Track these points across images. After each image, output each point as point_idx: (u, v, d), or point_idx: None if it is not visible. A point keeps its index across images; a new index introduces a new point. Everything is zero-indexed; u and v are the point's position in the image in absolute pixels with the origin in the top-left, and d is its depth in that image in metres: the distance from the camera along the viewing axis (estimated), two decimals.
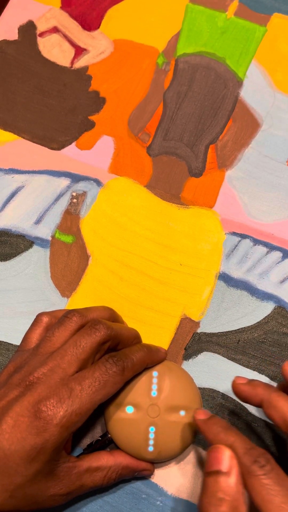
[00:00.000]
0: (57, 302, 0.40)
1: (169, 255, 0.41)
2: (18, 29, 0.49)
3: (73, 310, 0.33)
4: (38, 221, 0.43)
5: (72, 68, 0.48)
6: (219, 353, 0.39)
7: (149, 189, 0.44)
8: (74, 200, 0.43)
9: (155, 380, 0.34)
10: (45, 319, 0.35)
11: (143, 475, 0.34)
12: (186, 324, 0.39)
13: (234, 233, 0.42)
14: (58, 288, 0.41)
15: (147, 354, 0.34)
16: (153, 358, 0.34)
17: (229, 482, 0.27)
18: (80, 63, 0.48)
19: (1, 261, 0.42)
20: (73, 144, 0.45)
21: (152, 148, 0.45)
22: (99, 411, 0.35)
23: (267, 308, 0.40)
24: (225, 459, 0.28)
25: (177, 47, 0.48)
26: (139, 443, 0.33)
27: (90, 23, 0.49)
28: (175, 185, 0.44)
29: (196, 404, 0.34)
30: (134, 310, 0.40)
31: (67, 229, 0.42)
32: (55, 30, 0.49)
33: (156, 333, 0.39)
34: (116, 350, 0.34)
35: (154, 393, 0.34)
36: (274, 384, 0.38)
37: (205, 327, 0.39)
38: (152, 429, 0.33)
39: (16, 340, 0.39)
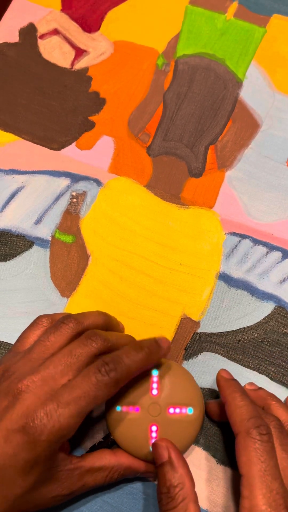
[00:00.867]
0: (57, 302, 0.40)
1: (169, 255, 0.41)
2: (19, 32, 0.50)
3: (70, 316, 0.33)
4: (38, 221, 0.43)
5: (73, 70, 0.48)
6: (219, 353, 0.38)
7: (149, 189, 0.44)
8: (74, 200, 0.43)
9: (155, 379, 0.34)
10: (45, 323, 0.34)
11: (143, 476, 0.34)
12: (186, 324, 0.39)
13: (234, 233, 0.42)
14: (58, 288, 0.41)
15: (146, 358, 0.32)
16: (152, 360, 0.33)
17: (172, 469, 0.30)
18: (80, 65, 0.48)
19: (1, 261, 0.42)
20: (73, 144, 0.45)
21: (152, 149, 0.45)
22: (101, 413, 0.35)
23: (267, 308, 0.40)
24: (164, 452, 0.30)
25: (177, 48, 0.48)
26: (141, 442, 0.33)
27: (90, 25, 0.50)
28: (175, 185, 0.44)
29: (197, 402, 0.34)
30: (134, 309, 0.40)
31: (67, 229, 0.42)
32: (55, 32, 0.49)
33: (156, 333, 0.39)
34: None
35: (154, 391, 0.34)
36: (274, 384, 0.38)
37: (205, 327, 0.39)
38: (154, 428, 0.33)
39: None
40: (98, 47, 0.49)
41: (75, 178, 0.44)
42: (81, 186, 0.44)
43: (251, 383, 0.36)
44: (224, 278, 0.41)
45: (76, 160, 0.45)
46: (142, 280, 0.40)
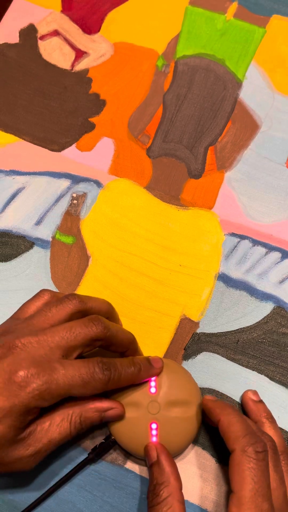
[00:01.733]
0: None
1: (168, 256, 0.42)
2: (19, 33, 0.50)
3: (74, 294, 0.33)
4: (38, 222, 0.43)
5: (73, 71, 0.48)
6: (218, 353, 0.39)
7: (149, 190, 0.44)
8: (74, 201, 0.44)
9: (153, 377, 0.34)
10: (47, 296, 0.35)
11: (112, 417, 0.33)
12: (186, 324, 0.40)
13: (233, 234, 0.42)
14: (58, 289, 0.41)
15: (137, 373, 0.33)
16: (142, 377, 0.33)
17: (159, 468, 0.31)
18: (80, 66, 0.48)
19: (2, 261, 0.42)
20: (74, 145, 0.46)
21: (152, 150, 0.45)
22: None
23: (266, 308, 0.40)
24: (153, 453, 0.31)
25: (177, 49, 0.48)
26: (142, 441, 0.33)
27: (90, 26, 0.50)
28: (174, 187, 0.44)
29: (195, 398, 0.35)
30: (134, 310, 0.40)
31: (68, 230, 0.43)
32: (55, 33, 0.49)
33: (156, 333, 0.39)
34: (108, 350, 0.34)
35: (153, 389, 0.34)
36: (273, 384, 0.38)
37: (205, 327, 0.39)
38: (154, 426, 0.33)
39: None
40: (98, 49, 0.49)
41: (76, 179, 0.44)
42: (81, 187, 0.44)
43: (255, 393, 0.37)
44: (224, 278, 0.41)
45: (76, 161, 0.45)
46: (142, 281, 0.41)
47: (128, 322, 0.39)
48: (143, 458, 0.35)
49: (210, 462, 0.36)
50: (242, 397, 0.37)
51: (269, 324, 0.39)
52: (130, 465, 0.36)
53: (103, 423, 0.34)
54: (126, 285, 0.41)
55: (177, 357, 0.39)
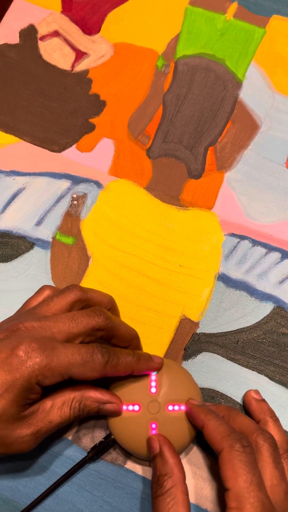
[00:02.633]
0: None
1: (168, 256, 0.42)
2: (19, 33, 0.50)
3: (75, 285, 0.34)
4: (39, 223, 0.43)
5: (73, 72, 0.48)
6: (218, 354, 0.39)
7: (149, 191, 0.44)
8: (75, 202, 0.44)
9: (153, 377, 0.35)
10: (48, 291, 0.36)
11: (109, 411, 0.33)
12: (186, 324, 0.40)
13: (233, 234, 0.42)
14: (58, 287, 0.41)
15: (135, 362, 0.33)
16: (141, 367, 0.34)
17: (162, 459, 0.31)
18: (80, 67, 0.48)
19: (2, 262, 0.42)
20: (74, 146, 0.46)
21: (152, 150, 0.45)
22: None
23: (266, 308, 0.40)
24: (155, 445, 0.32)
25: (177, 49, 0.48)
26: (142, 441, 0.33)
27: (90, 27, 0.50)
28: (174, 187, 0.44)
29: (196, 398, 0.35)
30: (134, 310, 0.40)
31: (68, 230, 0.43)
32: (56, 34, 0.49)
33: (156, 334, 0.39)
34: (111, 344, 0.34)
35: (153, 389, 0.34)
36: (273, 384, 0.38)
37: (205, 328, 0.40)
38: (154, 426, 0.33)
39: None
40: (98, 50, 0.49)
41: (76, 180, 0.44)
42: (81, 188, 0.44)
43: (257, 392, 0.37)
44: (223, 279, 0.41)
45: (76, 162, 0.45)
46: (142, 281, 0.41)
47: (128, 322, 0.39)
48: (143, 458, 0.35)
49: (209, 461, 0.36)
50: (245, 396, 0.37)
51: (269, 324, 0.40)
52: (130, 465, 0.36)
53: (102, 416, 0.35)
54: (126, 286, 0.41)
55: (177, 357, 0.39)
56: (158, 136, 0.45)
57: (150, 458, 0.33)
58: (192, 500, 0.35)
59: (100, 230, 0.43)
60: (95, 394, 0.33)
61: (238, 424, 0.33)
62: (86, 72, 0.48)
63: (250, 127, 0.46)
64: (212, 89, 0.47)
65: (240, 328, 0.39)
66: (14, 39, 0.50)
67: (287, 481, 0.31)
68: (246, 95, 0.47)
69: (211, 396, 0.38)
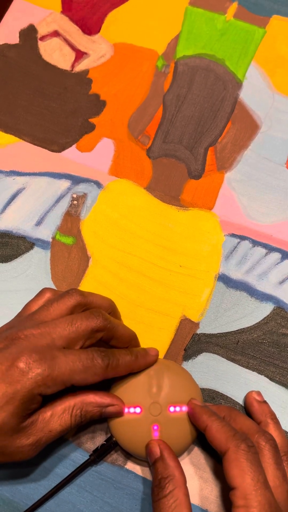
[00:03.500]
0: None
1: (168, 257, 0.42)
2: (19, 33, 0.50)
3: (75, 289, 0.34)
4: (38, 223, 0.43)
5: (73, 72, 0.48)
6: (218, 354, 0.39)
7: (149, 191, 0.44)
8: (75, 202, 0.44)
9: (153, 379, 0.35)
10: (48, 294, 0.35)
11: (112, 413, 0.33)
12: (186, 325, 0.40)
13: (233, 235, 0.42)
14: (59, 289, 0.41)
15: (134, 360, 0.34)
16: (139, 364, 0.34)
17: (163, 463, 0.31)
18: (80, 67, 0.48)
19: (2, 262, 0.42)
20: (74, 146, 0.46)
21: (152, 151, 0.45)
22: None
23: (266, 309, 0.40)
24: (156, 449, 0.32)
25: (177, 49, 0.48)
26: (144, 442, 0.33)
27: (90, 27, 0.50)
28: (174, 187, 0.44)
29: (196, 398, 0.35)
30: (134, 311, 0.40)
31: (68, 230, 0.43)
32: (55, 34, 0.49)
33: (156, 334, 0.39)
34: (108, 345, 0.34)
35: (154, 391, 0.34)
36: (273, 384, 0.38)
37: (205, 328, 0.39)
38: (156, 428, 0.33)
39: None
40: (98, 50, 0.49)
41: (76, 180, 0.44)
42: (81, 188, 0.44)
43: (258, 393, 0.37)
44: (224, 279, 0.41)
45: (76, 162, 0.45)
46: (142, 281, 0.41)
47: (128, 323, 0.39)
48: (145, 459, 0.35)
49: (210, 462, 0.36)
50: (246, 398, 0.37)
51: (269, 324, 0.40)
52: (130, 466, 0.36)
53: (104, 426, 0.35)
54: (126, 286, 0.41)
55: (177, 358, 0.39)
56: (158, 136, 0.45)
57: (150, 461, 0.33)
58: (192, 501, 0.34)
59: (100, 230, 0.43)
60: (95, 399, 0.32)
61: (240, 425, 0.33)
62: (86, 72, 0.48)
63: (250, 127, 0.46)
64: (212, 90, 0.47)
65: (240, 329, 0.39)
66: (14, 39, 0.50)
67: None
68: (246, 95, 0.47)
69: (211, 396, 0.38)
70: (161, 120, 0.46)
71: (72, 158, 0.45)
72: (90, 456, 0.35)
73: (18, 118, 0.47)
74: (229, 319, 0.40)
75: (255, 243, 0.42)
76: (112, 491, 0.35)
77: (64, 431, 0.31)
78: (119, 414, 0.34)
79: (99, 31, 0.49)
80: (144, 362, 0.35)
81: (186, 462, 0.36)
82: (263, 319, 0.40)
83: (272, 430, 0.34)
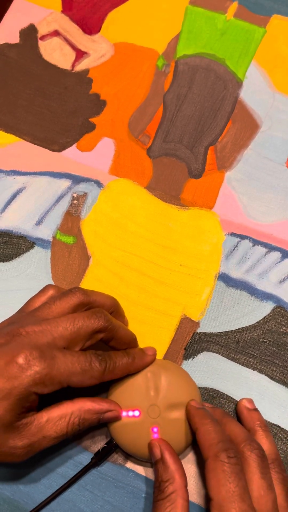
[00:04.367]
0: None
1: (169, 256, 0.42)
2: (20, 33, 0.50)
3: (78, 288, 0.34)
4: (39, 222, 0.43)
5: (73, 71, 0.48)
6: (218, 353, 0.39)
7: (149, 190, 0.44)
8: (75, 201, 0.44)
9: (150, 381, 0.35)
10: (51, 291, 0.36)
11: (110, 419, 0.33)
12: (186, 324, 0.40)
13: (233, 234, 0.42)
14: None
15: (131, 362, 0.34)
16: (137, 366, 0.34)
17: (163, 465, 0.31)
18: (81, 66, 0.48)
19: (3, 261, 0.42)
20: (74, 146, 0.46)
21: (152, 150, 0.45)
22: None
23: (267, 308, 0.40)
24: (157, 450, 0.32)
25: (177, 48, 0.48)
26: (144, 445, 0.33)
27: (90, 26, 0.50)
28: (175, 187, 0.44)
29: (194, 398, 0.35)
30: (135, 310, 0.40)
31: (68, 230, 0.43)
32: (56, 33, 0.49)
33: (156, 333, 0.39)
34: (107, 345, 0.34)
35: (152, 393, 0.34)
36: (274, 383, 0.38)
37: (205, 327, 0.40)
38: (155, 430, 0.33)
39: None
40: (98, 49, 0.49)
41: (76, 179, 0.44)
42: (82, 187, 0.44)
43: (250, 401, 0.37)
44: (224, 278, 0.41)
45: (77, 161, 0.45)
46: (142, 280, 0.41)
47: (129, 322, 0.39)
48: (146, 460, 0.35)
49: None
50: (237, 405, 0.37)
51: (269, 323, 0.40)
52: (130, 465, 0.36)
53: (105, 429, 0.35)
54: (127, 285, 0.41)
55: (177, 357, 0.39)
56: (159, 136, 0.45)
57: (152, 461, 0.33)
58: (192, 499, 0.35)
59: (100, 229, 0.43)
60: (93, 406, 0.32)
61: (229, 431, 0.32)
62: (86, 71, 0.48)
63: (250, 126, 0.46)
64: (213, 89, 0.47)
65: (241, 328, 0.39)
66: (14, 39, 0.50)
67: (275, 491, 0.31)
68: (246, 94, 0.47)
69: (211, 395, 0.38)
70: (161, 119, 0.46)
71: (72, 157, 0.45)
72: (91, 459, 0.35)
73: (19, 117, 0.47)
74: (229, 318, 0.40)
75: (255, 242, 0.42)
76: (112, 490, 0.35)
77: (59, 439, 0.31)
78: (117, 419, 0.34)
79: (99, 31, 0.50)
80: (142, 363, 0.35)
81: (186, 461, 0.36)
82: (264, 318, 0.40)
83: (260, 437, 0.34)
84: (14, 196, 0.44)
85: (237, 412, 0.37)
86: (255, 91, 0.47)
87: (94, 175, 0.44)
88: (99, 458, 0.35)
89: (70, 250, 0.42)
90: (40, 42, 0.49)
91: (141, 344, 0.37)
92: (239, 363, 0.38)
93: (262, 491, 0.30)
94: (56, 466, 0.35)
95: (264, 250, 0.42)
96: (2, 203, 0.44)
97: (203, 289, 0.41)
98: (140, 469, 0.36)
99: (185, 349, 0.39)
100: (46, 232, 0.43)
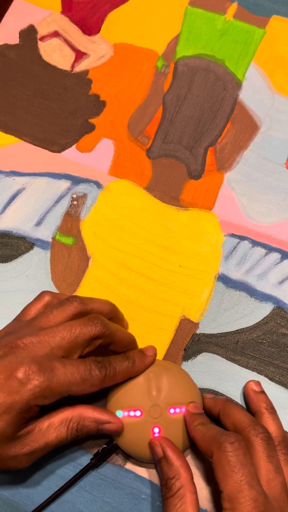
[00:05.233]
0: None
1: (168, 257, 0.42)
2: (19, 33, 0.50)
3: (76, 296, 0.34)
4: (38, 223, 0.43)
5: (73, 72, 0.48)
6: (218, 354, 0.39)
7: (149, 191, 0.44)
8: (75, 202, 0.44)
9: (152, 381, 0.35)
10: (47, 298, 0.35)
11: (109, 431, 0.33)
12: (186, 325, 0.40)
13: (233, 235, 0.42)
14: (58, 290, 0.41)
15: (131, 366, 0.34)
16: (138, 369, 0.34)
17: (167, 463, 0.31)
18: (80, 67, 0.48)
19: (2, 262, 0.42)
20: (74, 146, 0.46)
21: (152, 151, 0.45)
22: None
23: (266, 309, 0.40)
24: (158, 449, 0.32)
25: (177, 49, 0.48)
26: (145, 445, 0.33)
27: (90, 27, 0.50)
28: (174, 187, 0.44)
29: (196, 399, 0.35)
30: (134, 311, 0.40)
31: (68, 231, 0.43)
32: (55, 34, 0.49)
33: (156, 334, 0.39)
34: (107, 350, 0.34)
35: (153, 393, 0.34)
36: (273, 384, 0.38)
37: (204, 328, 0.40)
38: (156, 430, 0.33)
39: None
40: (98, 50, 0.49)
41: (76, 180, 0.44)
42: (81, 188, 0.44)
43: (257, 383, 0.37)
44: (223, 279, 0.41)
45: (76, 162, 0.45)
46: (141, 281, 0.41)
47: (128, 323, 0.39)
48: (147, 461, 0.35)
49: (208, 462, 0.36)
50: (244, 387, 0.37)
51: (269, 324, 0.40)
52: (130, 466, 0.36)
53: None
54: (126, 286, 0.41)
55: (177, 358, 0.39)
56: (158, 137, 0.45)
57: (155, 461, 0.33)
58: None
59: (100, 230, 0.43)
60: (93, 414, 0.32)
61: (232, 419, 0.33)
62: (86, 72, 0.48)
63: (250, 127, 0.46)
64: (212, 90, 0.47)
65: (240, 329, 0.39)
66: (14, 40, 0.50)
67: (283, 473, 0.31)
68: (246, 95, 0.47)
69: None
70: (161, 120, 0.46)
71: (72, 158, 0.45)
72: (91, 460, 0.35)
73: (18, 118, 0.47)
74: (228, 319, 0.40)
75: (254, 243, 0.42)
76: (112, 491, 0.35)
77: (60, 444, 0.31)
78: (117, 432, 0.33)
79: (99, 32, 0.50)
80: (142, 365, 0.35)
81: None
82: (263, 319, 0.40)
83: (266, 420, 0.34)
84: (13, 197, 0.44)
85: (244, 394, 0.37)
86: (254, 92, 0.47)
87: (93, 176, 0.44)
88: (98, 459, 0.34)
89: (69, 251, 0.42)
90: (39, 43, 0.49)
91: (140, 345, 0.37)
92: (239, 364, 0.38)
93: (270, 474, 0.30)
94: (56, 467, 0.35)
95: (263, 251, 0.42)
96: (2, 204, 0.44)
97: (202, 290, 0.41)
98: (139, 470, 0.36)
99: (184, 350, 0.39)
100: (45, 233, 0.43)
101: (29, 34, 0.50)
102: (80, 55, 0.49)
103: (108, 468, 0.35)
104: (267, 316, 0.40)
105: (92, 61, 0.48)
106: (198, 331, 0.39)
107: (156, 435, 0.33)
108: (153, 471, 0.35)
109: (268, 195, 0.43)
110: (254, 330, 0.39)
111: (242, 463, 0.29)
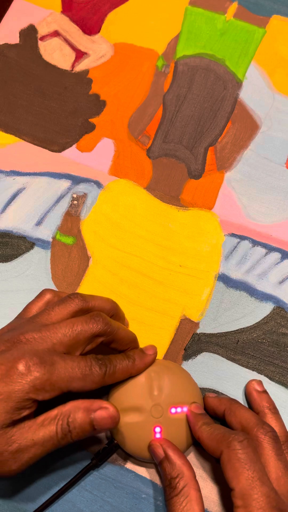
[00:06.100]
0: None
1: (168, 256, 0.42)
2: (19, 33, 0.50)
3: (77, 294, 0.34)
4: (39, 223, 0.43)
5: (73, 72, 0.48)
6: (218, 354, 0.39)
7: (149, 191, 0.44)
8: (75, 202, 0.44)
9: (154, 381, 0.34)
10: (48, 295, 0.36)
11: (103, 418, 0.31)
12: (186, 324, 0.40)
13: (233, 235, 0.42)
14: (58, 289, 0.41)
15: (131, 365, 0.34)
16: (138, 368, 0.34)
17: (169, 463, 0.31)
18: (80, 67, 0.48)
19: (3, 262, 0.42)
20: (74, 146, 0.46)
21: (152, 151, 0.45)
22: None
23: (266, 308, 0.40)
24: (159, 450, 0.32)
25: (177, 49, 0.48)
26: (146, 445, 0.33)
27: (90, 27, 0.50)
28: (174, 187, 0.44)
29: (197, 398, 0.35)
30: (134, 310, 0.40)
31: (68, 230, 0.43)
32: (56, 34, 0.49)
33: (156, 334, 0.39)
34: (108, 348, 0.34)
35: (155, 393, 0.34)
36: (273, 384, 0.38)
37: (205, 328, 0.40)
38: (157, 430, 0.33)
39: None
40: (98, 50, 0.49)
41: (76, 180, 0.44)
42: (81, 188, 0.44)
43: (259, 383, 0.37)
44: (223, 279, 0.41)
45: (76, 162, 0.45)
46: (142, 281, 0.41)
47: (129, 323, 0.39)
48: (147, 461, 0.35)
49: (210, 462, 0.36)
50: (246, 387, 0.37)
51: (269, 324, 0.40)
52: (130, 465, 0.36)
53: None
54: (126, 286, 0.41)
55: (177, 358, 0.39)
56: (158, 136, 0.45)
57: (156, 462, 0.33)
58: None
59: (100, 230, 0.43)
60: (83, 404, 0.31)
61: (239, 418, 0.33)
62: (86, 72, 0.48)
63: (250, 127, 0.46)
64: (212, 89, 0.47)
65: (240, 328, 0.40)
66: (14, 39, 0.50)
67: None
68: (246, 95, 0.47)
69: None
70: (161, 120, 0.46)
71: (72, 158, 0.45)
72: (92, 460, 0.35)
73: (18, 118, 0.47)
74: (229, 319, 0.40)
75: (255, 243, 0.42)
76: (112, 490, 0.35)
77: (49, 441, 0.30)
78: (112, 420, 0.31)
79: (99, 31, 0.50)
80: (143, 364, 0.35)
81: None
82: (263, 319, 0.40)
83: (270, 420, 0.34)
84: (14, 197, 0.44)
85: (246, 394, 0.37)
86: (254, 91, 0.47)
87: (94, 175, 0.44)
88: (99, 459, 0.34)
89: (70, 250, 0.42)
90: (40, 43, 0.49)
91: (141, 345, 0.37)
92: (239, 364, 0.39)
93: (280, 472, 0.30)
94: (56, 467, 0.35)
95: (263, 250, 0.42)
96: (2, 204, 0.44)
97: (202, 290, 0.41)
98: (139, 470, 0.36)
99: (184, 349, 0.39)
100: (46, 232, 0.43)
101: (29, 34, 0.50)
102: (80, 54, 0.49)
103: (108, 467, 0.35)
104: (267, 315, 0.40)
105: (92, 60, 0.48)
106: (198, 331, 0.39)
107: (158, 435, 0.33)
108: (153, 471, 0.36)
109: (268, 194, 0.43)
110: (254, 330, 0.39)
111: (252, 460, 0.29)
